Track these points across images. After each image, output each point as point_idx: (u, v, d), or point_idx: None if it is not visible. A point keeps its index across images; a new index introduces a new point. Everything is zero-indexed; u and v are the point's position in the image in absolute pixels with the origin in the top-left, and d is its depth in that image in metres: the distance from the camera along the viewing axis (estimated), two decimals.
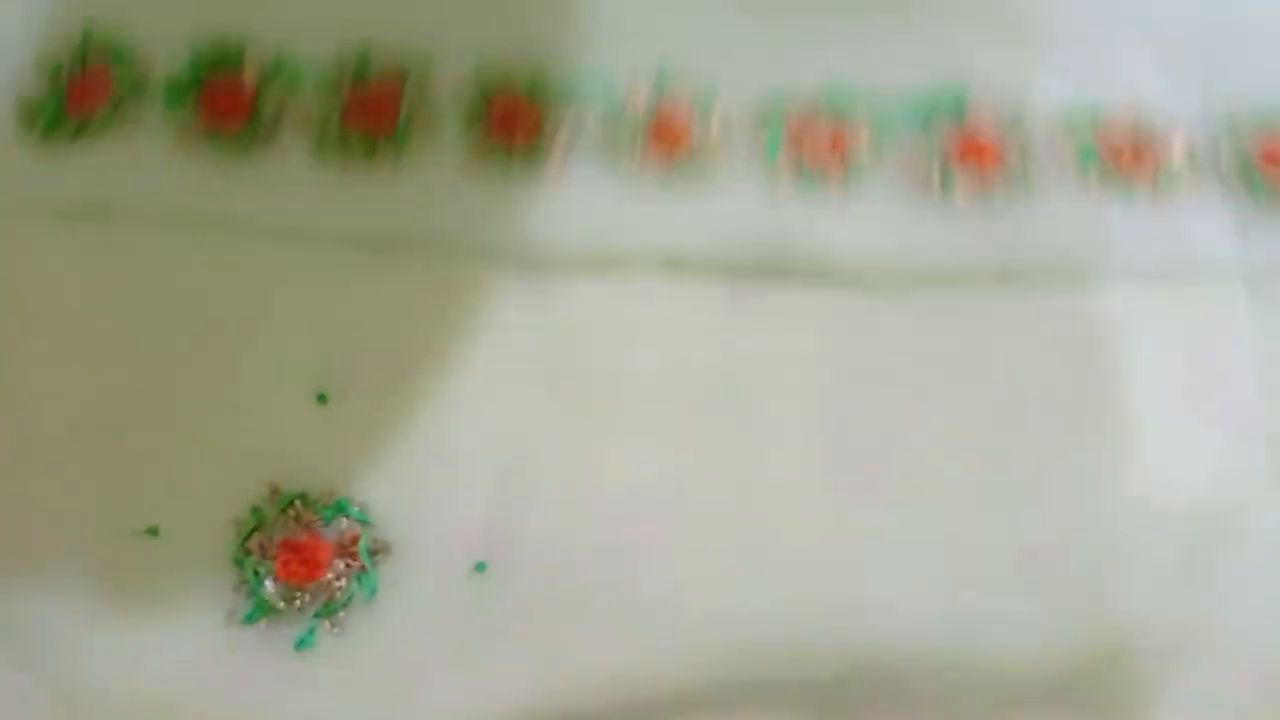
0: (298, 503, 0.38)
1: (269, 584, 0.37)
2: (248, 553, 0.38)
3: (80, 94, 0.42)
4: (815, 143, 0.42)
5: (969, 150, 0.43)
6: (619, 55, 0.43)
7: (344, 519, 0.39)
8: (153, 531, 0.38)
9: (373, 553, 0.38)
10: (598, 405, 0.40)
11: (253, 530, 0.38)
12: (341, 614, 0.38)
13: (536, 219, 0.41)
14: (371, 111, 0.42)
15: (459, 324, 0.41)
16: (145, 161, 0.41)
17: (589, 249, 0.41)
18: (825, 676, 0.38)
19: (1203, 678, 0.39)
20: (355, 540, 0.38)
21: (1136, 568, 0.40)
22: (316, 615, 0.37)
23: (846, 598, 0.39)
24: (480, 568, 0.39)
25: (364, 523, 0.38)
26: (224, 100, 0.43)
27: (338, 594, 0.38)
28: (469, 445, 0.40)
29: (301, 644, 0.37)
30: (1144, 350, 0.42)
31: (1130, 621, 0.39)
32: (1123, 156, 0.43)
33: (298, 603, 0.37)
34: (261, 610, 0.37)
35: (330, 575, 0.38)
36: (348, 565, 0.38)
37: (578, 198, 0.42)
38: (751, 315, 0.41)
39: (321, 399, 0.40)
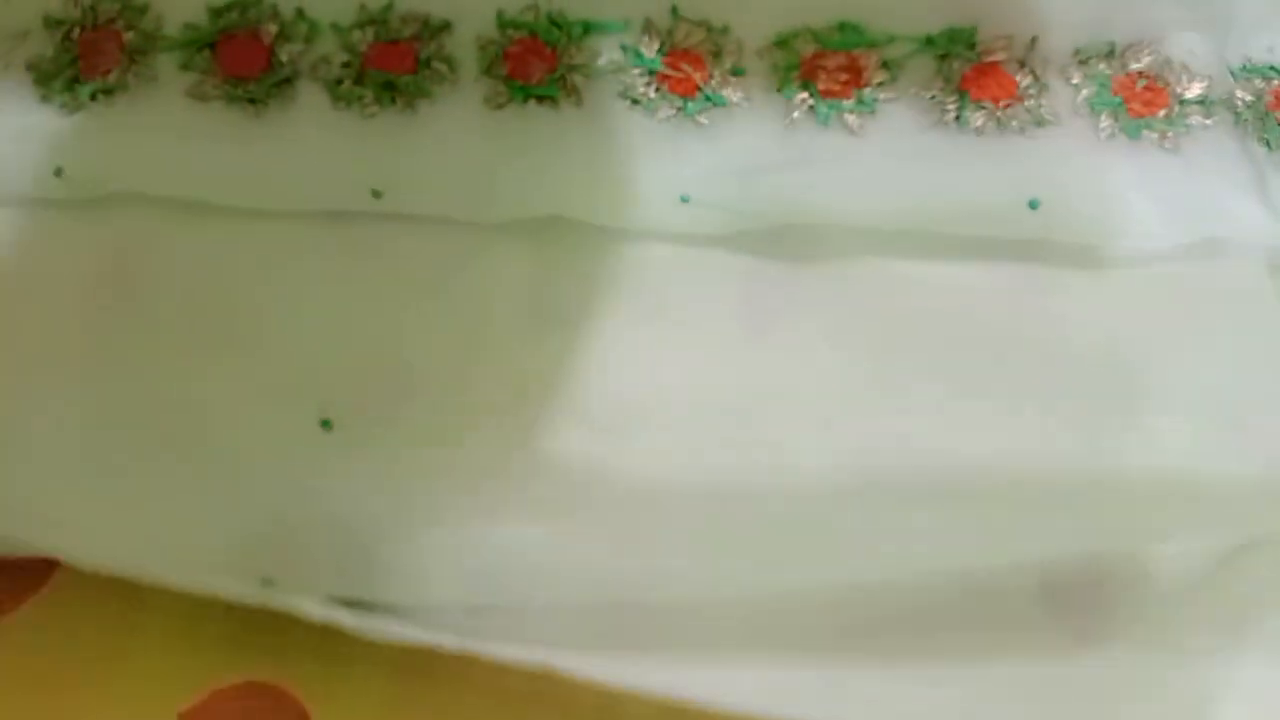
0: None
1: None
2: None
3: (93, 54, 0.41)
4: (830, 74, 0.42)
5: (983, 80, 0.42)
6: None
7: None
8: None
9: None
10: (613, 428, 0.38)
11: None
12: None
13: (552, 157, 0.41)
14: (391, 58, 0.41)
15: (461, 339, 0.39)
16: (162, 120, 0.41)
17: (605, 189, 0.40)
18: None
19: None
20: None
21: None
22: None
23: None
24: None
25: None
26: (240, 54, 0.41)
27: None
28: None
29: None
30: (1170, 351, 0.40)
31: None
32: (1136, 97, 0.42)
33: None
34: None
35: None
36: None
37: (593, 137, 0.41)
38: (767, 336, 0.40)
39: (326, 425, 0.38)
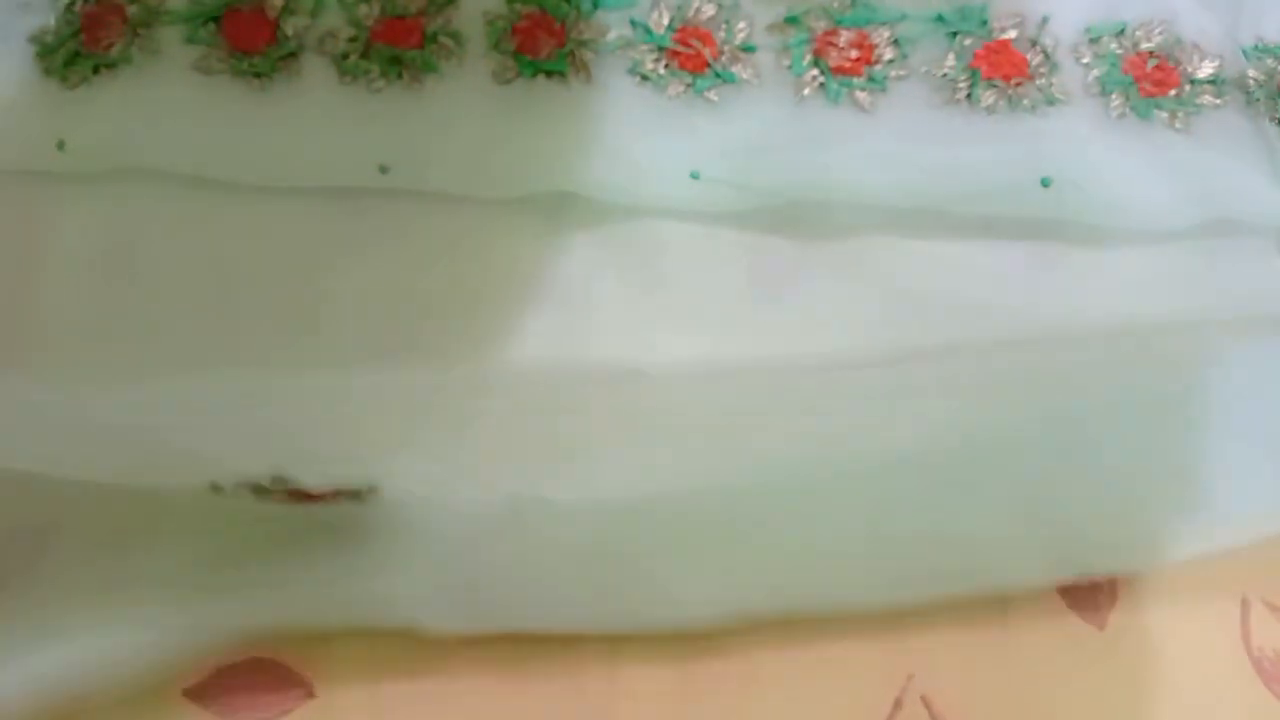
0: None
1: None
2: None
3: (96, 27, 0.41)
4: (841, 51, 0.41)
5: (994, 58, 0.42)
6: None
7: None
8: None
9: None
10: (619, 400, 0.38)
11: None
12: None
13: (561, 133, 0.40)
14: (397, 32, 0.41)
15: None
16: (166, 94, 0.40)
17: (614, 166, 0.40)
18: None
19: None
20: None
21: None
22: None
23: None
24: None
25: None
26: (245, 27, 0.41)
27: None
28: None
29: None
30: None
31: None
32: (1147, 76, 0.42)
33: None
34: None
35: None
36: None
37: (602, 113, 0.40)
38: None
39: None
